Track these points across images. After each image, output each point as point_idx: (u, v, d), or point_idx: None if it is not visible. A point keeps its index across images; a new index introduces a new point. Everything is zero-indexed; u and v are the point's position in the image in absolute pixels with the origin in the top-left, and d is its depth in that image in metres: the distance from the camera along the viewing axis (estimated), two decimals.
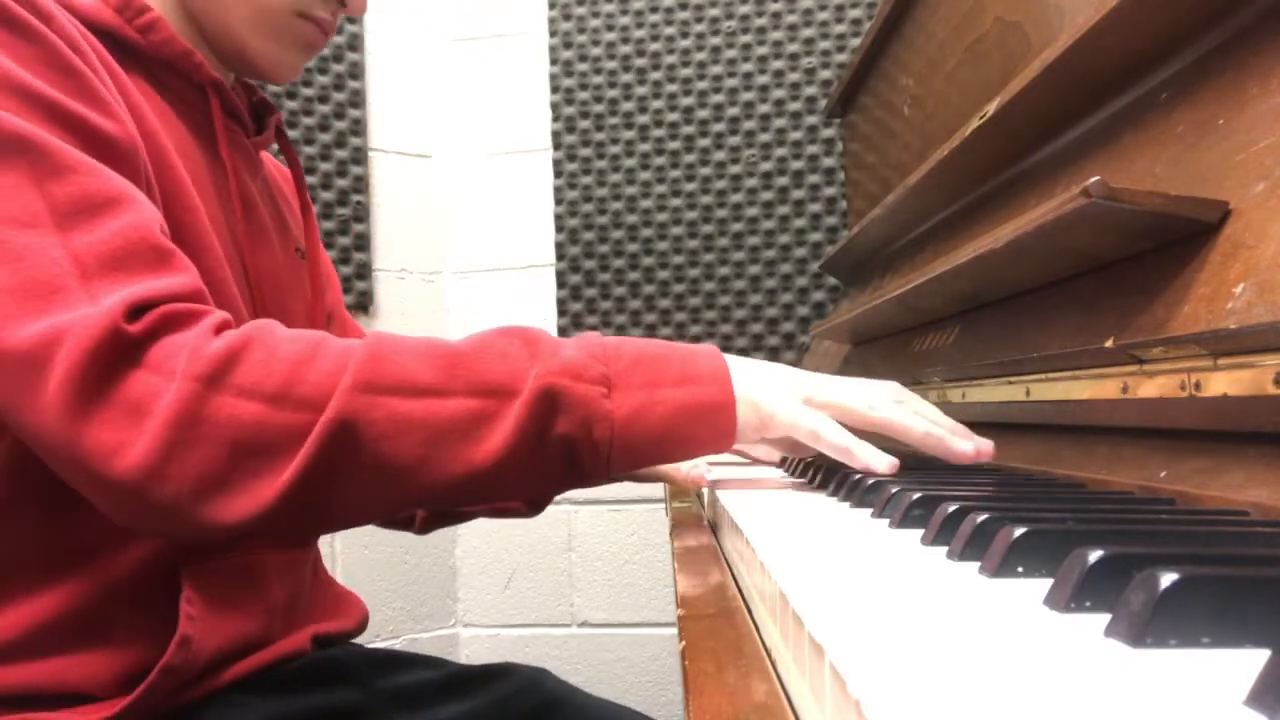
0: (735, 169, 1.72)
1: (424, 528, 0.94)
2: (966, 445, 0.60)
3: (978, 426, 0.79)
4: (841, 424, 0.59)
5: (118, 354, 0.49)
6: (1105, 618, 0.26)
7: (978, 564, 0.36)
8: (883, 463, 0.58)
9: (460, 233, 1.86)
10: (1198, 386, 0.46)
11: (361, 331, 1.00)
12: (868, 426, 0.60)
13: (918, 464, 0.75)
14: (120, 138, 0.56)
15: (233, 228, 0.71)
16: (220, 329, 0.52)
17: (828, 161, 1.69)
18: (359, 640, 0.83)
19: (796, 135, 1.70)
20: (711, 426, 0.55)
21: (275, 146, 0.83)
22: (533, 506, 0.88)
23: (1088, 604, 0.29)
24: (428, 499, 0.53)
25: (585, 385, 0.53)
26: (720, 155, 1.73)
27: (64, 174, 0.52)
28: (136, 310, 0.50)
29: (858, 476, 0.58)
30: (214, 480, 0.49)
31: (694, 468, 0.73)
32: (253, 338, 0.51)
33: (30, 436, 0.51)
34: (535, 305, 1.82)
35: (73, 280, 0.50)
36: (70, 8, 0.62)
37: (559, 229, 1.79)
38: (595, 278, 1.77)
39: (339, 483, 0.50)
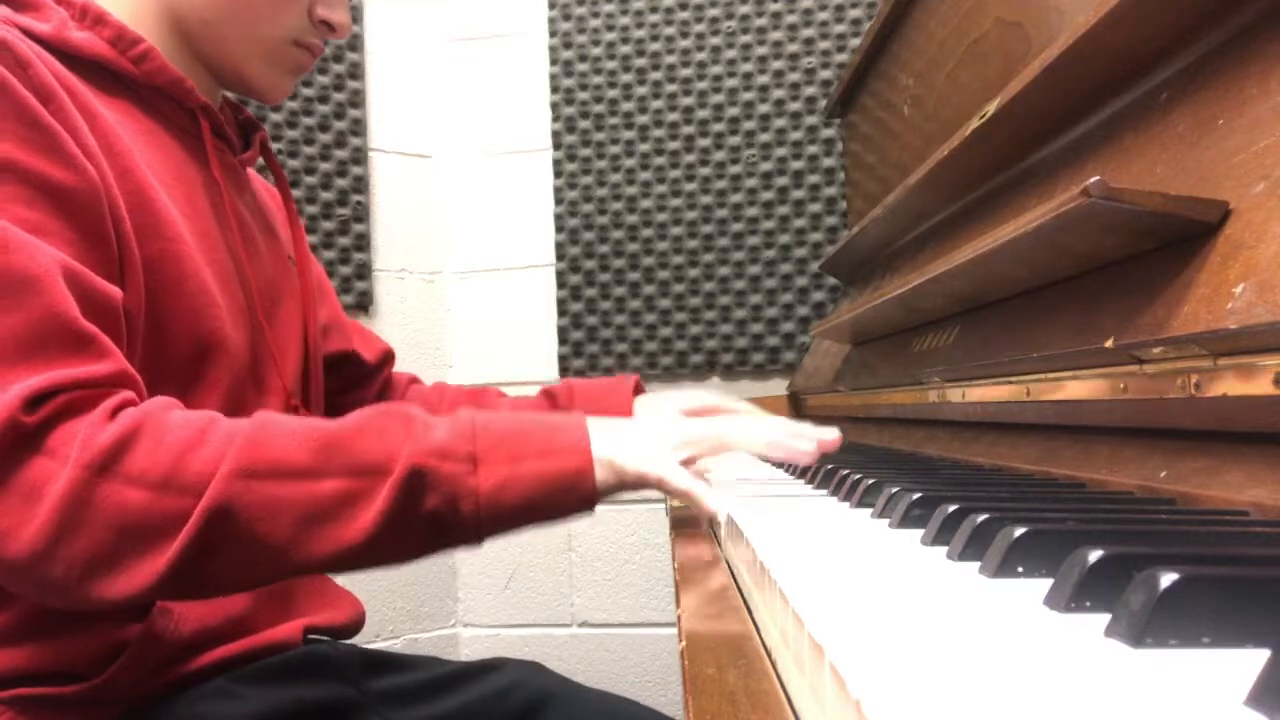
0: (735, 169, 1.72)
1: None
2: (808, 444, 0.66)
3: (978, 427, 0.79)
4: (702, 455, 0.65)
5: (15, 443, 0.51)
6: (1105, 618, 0.26)
7: (978, 564, 0.36)
8: (716, 505, 0.62)
9: (460, 233, 1.86)
10: (1198, 386, 0.46)
11: (370, 334, 1.02)
12: (718, 452, 0.66)
13: (913, 464, 0.75)
14: (77, 188, 0.58)
15: (230, 244, 0.74)
16: (117, 411, 0.54)
17: (828, 161, 1.69)
18: (354, 641, 0.83)
19: (796, 135, 1.70)
20: (571, 492, 0.58)
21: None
22: None
23: (1088, 604, 0.29)
24: (304, 572, 0.57)
25: (452, 464, 0.56)
26: (720, 155, 1.73)
27: None
28: (36, 400, 0.52)
29: (858, 477, 0.58)
30: (100, 561, 0.52)
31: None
32: (143, 425, 0.54)
33: None
34: (535, 305, 1.82)
35: None
36: (65, 42, 0.64)
37: (559, 229, 1.78)
38: (595, 278, 1.77)
39: (217, 561, 0.53)
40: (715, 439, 0.66)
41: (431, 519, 0.56)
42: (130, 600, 0.53)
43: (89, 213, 0.58)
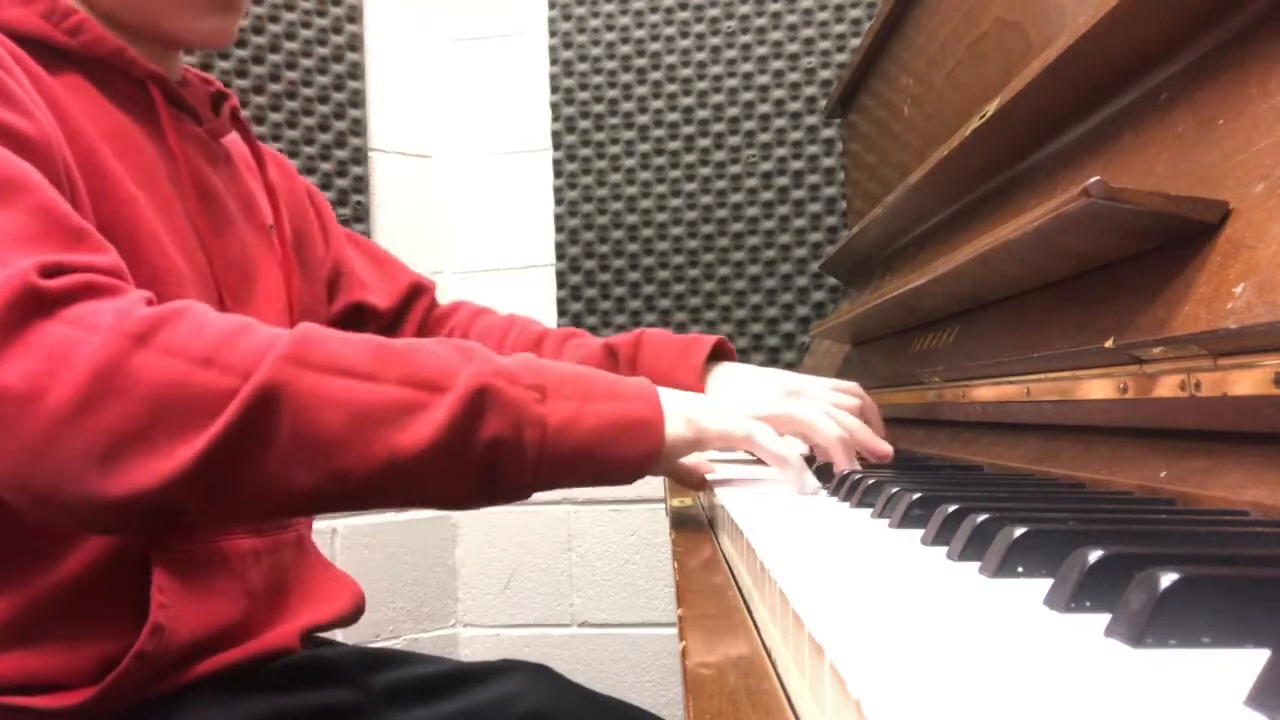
0: (735, 169, 1.72)
1: None
2: (885, 446, 0.68)
3: (978, 427, 0.79)
4: (780, 432, 0.63)
5: (32, 307, 0.47)
6: (1105, 618, 0.26)
7: (978, 564, 0.36)
8: (809, 487, 0.60)
9: (460, 233, 1.86)
10: (1198, 386, 0.46)
11: (394, 268, 0.97)
12: (792, 433, 0.66)
13: (913, 464, 0.75)
14: (33, 135, 0.56)
15: (189, 213, 0.71)
16: (150, 302, 0.51)
17: (828, 161, 1.69)
18: (355, 634, 0.82)
19: (796, 135, 1.70)
20: (639, 440, 0.55)
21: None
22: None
23: (1088, 604, 0.29)
24: (344, 485, 0.51)
25: (520, 389, 0.53)
26: (720, 155, 1.73)
27: None
28: (52, 271, 0.49)
29: (858, 476, 0.58)
30: (129, 437, 0.46)
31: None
32: (185, 309, 0.51)
33: None
34: (535, 305, 1.82)
35: None
36: (1, 20, 0.63)
37: (559, 229, 1.79)
38: (595, 278, 1.77)
39: (257, 453, 0.48)
40: (789, 420, 0.65)
41: (490, 446, 0.51)
42: (145, 496, 0.47)
43: (49, 163, 0.56)
